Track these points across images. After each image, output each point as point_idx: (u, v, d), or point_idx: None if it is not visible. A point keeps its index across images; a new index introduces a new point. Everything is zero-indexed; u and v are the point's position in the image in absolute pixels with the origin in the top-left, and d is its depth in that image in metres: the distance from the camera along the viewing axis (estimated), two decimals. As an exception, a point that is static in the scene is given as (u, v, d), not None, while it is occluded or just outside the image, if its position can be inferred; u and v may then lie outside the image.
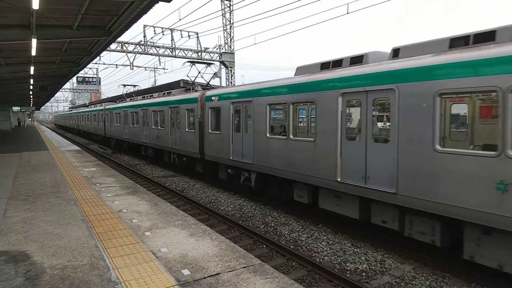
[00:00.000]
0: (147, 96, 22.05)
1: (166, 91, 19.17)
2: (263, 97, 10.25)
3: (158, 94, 19.96)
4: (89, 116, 37.82)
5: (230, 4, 27.60)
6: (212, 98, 12.96)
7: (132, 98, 25.44)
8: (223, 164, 12.50)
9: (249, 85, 11.56)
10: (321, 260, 6.99)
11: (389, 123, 6.99)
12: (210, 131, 13.08)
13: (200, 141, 13.66)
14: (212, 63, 15.97)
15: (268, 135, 10.08)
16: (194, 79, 16.82)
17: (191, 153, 14.46)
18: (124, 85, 28.68)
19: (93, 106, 40.09)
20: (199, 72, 16.64)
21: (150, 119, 18.95)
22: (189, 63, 16.82)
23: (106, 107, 29.40)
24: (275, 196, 10.60)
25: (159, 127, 17.77)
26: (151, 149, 19.82)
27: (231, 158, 11.66)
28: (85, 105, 55.28)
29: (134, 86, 29.16)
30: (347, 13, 14.97)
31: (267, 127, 10.13)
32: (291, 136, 9.23)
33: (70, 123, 57.97)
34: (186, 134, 14.80)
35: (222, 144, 12.22)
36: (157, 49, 26.64)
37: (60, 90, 49.64)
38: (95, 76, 52.03)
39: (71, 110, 63.28)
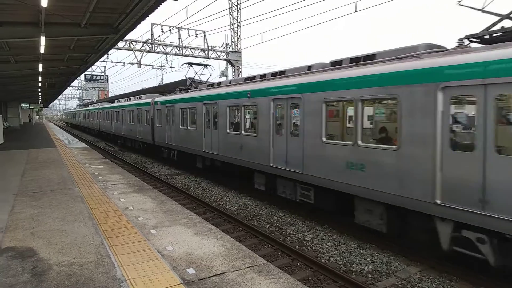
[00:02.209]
0: (260, 78, 11.43)
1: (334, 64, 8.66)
2: None
3: (277, 75, 10.57)
4: (121, 113, 26.33)
5: (237, 3, 27.61)
6: None
7: (214, 85, 14.79)
8: None
9: None
10: (326, 260, 6.95)
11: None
12: None
13: None
14: None
15: None
16: None
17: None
18: (190, 64, 17.84)
19: (122, 100, 28.64)
20: None
21: (316, 122, 8.39)
22: None
23: (157, 99, 19.42)
24: None
25: (357, 142, 7.41)
26: (314, 190, 8.78)
27: None
28: (107, 100, 41.49)
29: (206, 65, 17.71)
30: (355, 11, 14.90)
31: None
32: None
33: (86, 122, 46.09)
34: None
35: None
36: (165, 47, 26.78)
37: (68, 87, 50.11)
38: (102, 74, 52.45)
39: (89, 106, 49.66)
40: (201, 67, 17.57)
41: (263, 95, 10.18)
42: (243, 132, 11.29)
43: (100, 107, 36.29)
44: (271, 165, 9.87)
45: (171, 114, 17.20)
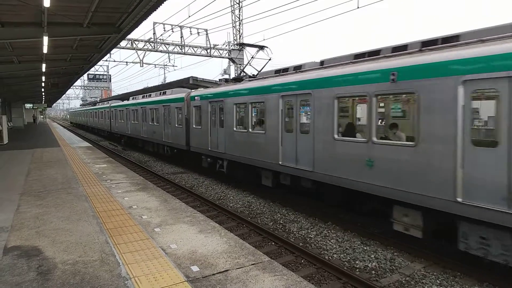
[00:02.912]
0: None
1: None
2: None
3: (438, 43, 6.67)
4: (140, 112, 22.59)
5: (239, 1, 27.57)
6: None
7: (288, 70, 10.70)
8: None
9: None
10: (330, 257, 6.96)
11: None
12: None
13: None
14: None
15: None
16: None
17: None
18: (243, 45, 14.75)
19: (139, 97, 25.23)
20: None
21: None
22: None
23: (194, 93, 15.42)
24: None
25: None
26: None
27: None
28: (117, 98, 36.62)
29: (262, 47, 13.50)
30: (357, 7, 14.85)
31: None
32: None
33: (95, 123, 41.03)
34: None
35: None
36: (167, 46, 26.78)
37: (72, 87, 50.29)
38: (105, 73, 52.63)
39: (97, 104, 44.35)
40: (256, 49, 13.62)
41: (435, 75, 6.07)
42: (374, 139, 7.26)
43: (111, 105, 31.84)
44: (458, 200, 5.77)
45: (218, 112, 13.16)
